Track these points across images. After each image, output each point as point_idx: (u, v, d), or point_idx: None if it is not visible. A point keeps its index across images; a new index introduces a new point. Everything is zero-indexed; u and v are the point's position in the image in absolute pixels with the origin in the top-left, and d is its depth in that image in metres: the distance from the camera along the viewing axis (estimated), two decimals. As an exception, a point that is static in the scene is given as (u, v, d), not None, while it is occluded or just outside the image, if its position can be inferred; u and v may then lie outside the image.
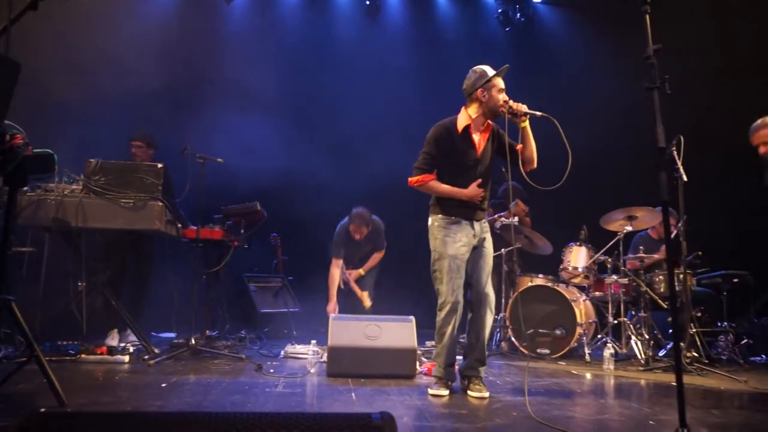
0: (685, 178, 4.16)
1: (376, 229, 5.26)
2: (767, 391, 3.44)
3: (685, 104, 5.24)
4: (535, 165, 3.22)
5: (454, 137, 3.17)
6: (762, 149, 3.56)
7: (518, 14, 7.33)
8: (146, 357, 3.75)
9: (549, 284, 4.90)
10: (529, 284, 4.97)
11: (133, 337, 4.22)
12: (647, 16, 2.23)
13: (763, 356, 4.78)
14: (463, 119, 3.19)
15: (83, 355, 3.65)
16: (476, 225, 3.21)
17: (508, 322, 4.93)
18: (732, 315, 4.90)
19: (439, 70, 6.81)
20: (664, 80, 2.12)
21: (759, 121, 3.63)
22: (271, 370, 3.63)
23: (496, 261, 5.47)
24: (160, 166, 3.82)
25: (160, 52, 5.88)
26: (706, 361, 4.22)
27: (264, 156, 5.76)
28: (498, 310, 5.40)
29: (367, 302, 5.17)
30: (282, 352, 4.29)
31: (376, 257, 5.38)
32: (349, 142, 6.57)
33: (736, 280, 5.00)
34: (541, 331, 4.76)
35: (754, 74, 5.41)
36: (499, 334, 5.20)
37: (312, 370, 3.63)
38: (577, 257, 4.95)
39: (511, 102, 3.09)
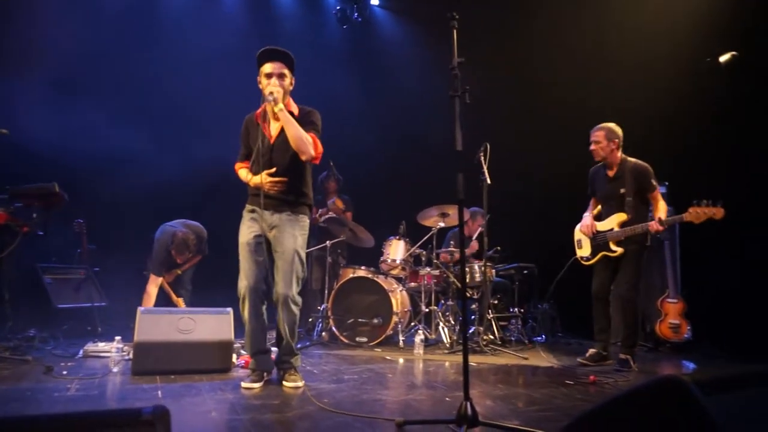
0: (489, 181, 4.68)
1: (198, 238, 4.95)
2: (543, 366, 4.04)
3: (491, 113, 5.92)
4: (308, 155, 3.03)
5: (250, 127, 3.20)
6: (592, 146, 4.12)
7: (356, 14, 7.50)
8: None
9: (369, 275, 5.14)
10: (351, 275, 5.16)
11: None
12: (454, 31, 2.46)
13: (543, 336, 5.61)
14: (261, 108, 3.16)
15: None
16: (270, 215, 3.11)
17: (330, 313, 5.06)
18: (521, 301, 5.66)
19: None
20: (465, 90, 2.36)
21: (602, 124, 4.11)
22: (65, 372, 3.24)
23: (321, 253, 5.58)
24: None
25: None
26: (500, 343, 4.82)
27: (70, 135, 5.10)
28: (321, 301, 5.51)
29: (182, 306, 4.88)
30: (81, 351, 3.87)
31: (195, 260, 5.09)
32: (167, 126, 6.10)
33: (525, 271, 5.78)
34: (360, 320, 4.97)
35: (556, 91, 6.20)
36: (321, 325, 5.31)
37: (115, 369, 3.33)
38: (396, 250, 5.26)
39: (270, 87, 3.00)
